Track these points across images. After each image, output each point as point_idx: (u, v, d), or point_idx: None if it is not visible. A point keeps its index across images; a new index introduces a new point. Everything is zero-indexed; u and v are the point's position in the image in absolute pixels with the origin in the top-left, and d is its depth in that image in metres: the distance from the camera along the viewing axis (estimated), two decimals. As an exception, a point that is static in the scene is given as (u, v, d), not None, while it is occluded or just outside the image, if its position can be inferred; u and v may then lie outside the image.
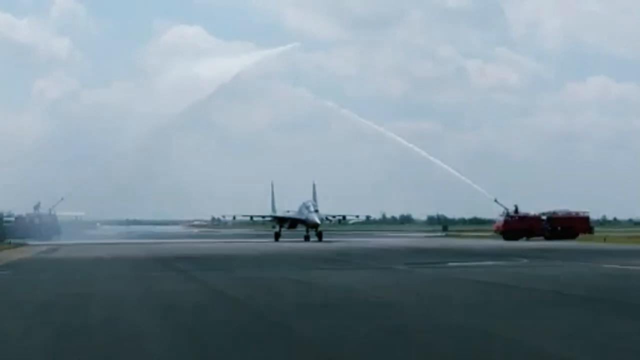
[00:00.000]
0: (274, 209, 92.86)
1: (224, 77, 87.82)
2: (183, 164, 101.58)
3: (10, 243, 66.41)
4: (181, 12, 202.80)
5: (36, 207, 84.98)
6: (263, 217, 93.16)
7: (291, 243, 72.33)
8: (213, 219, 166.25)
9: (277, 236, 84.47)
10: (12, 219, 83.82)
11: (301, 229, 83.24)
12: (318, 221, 79.00)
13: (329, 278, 27.62)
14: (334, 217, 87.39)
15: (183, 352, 12.12)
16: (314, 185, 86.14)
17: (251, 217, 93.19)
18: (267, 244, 70.21)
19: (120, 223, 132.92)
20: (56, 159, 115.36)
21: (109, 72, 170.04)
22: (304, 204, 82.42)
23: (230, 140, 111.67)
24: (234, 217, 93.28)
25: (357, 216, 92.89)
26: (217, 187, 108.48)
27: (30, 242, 70.66)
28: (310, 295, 21.21)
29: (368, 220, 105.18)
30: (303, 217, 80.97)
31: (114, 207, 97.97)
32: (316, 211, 79.74)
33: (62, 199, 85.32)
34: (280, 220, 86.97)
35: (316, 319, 15.94)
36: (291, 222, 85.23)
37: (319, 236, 79.24)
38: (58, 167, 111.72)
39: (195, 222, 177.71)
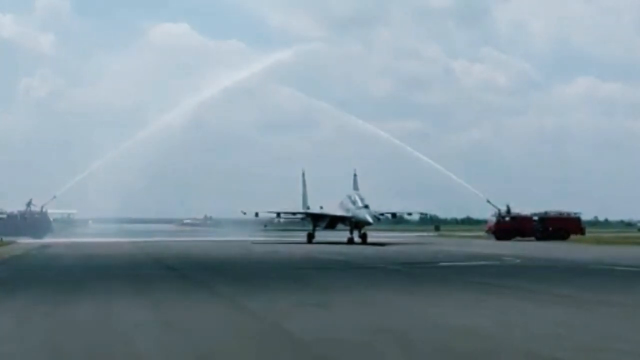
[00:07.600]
0: (305, 204, 78.51)
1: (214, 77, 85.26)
2: (175, 162, 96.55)
3: (1, 240, 65.40)
4: (167, 9, 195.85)
5: (28, 204, 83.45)
6: (293, 213, 76.90)
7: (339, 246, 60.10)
8: (205, 217, 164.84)
9: (310, 237, 70.22)
10: (4, 216, 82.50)
11: (342, 229, 69.75)
12: (370, 219, 64.08)
13: None
14: (382, 214, 71.52)
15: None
16: (354, 176, 72.52)
17: (278, 213, 76.13)
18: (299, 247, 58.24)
19: (113, 221, 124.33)
20: (48, 157, 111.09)
21: (96, 69, 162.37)
22: (348, 197, 67.95)
23: (220, 138, 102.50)
24: (257, 214, 74.95)
25: (410, 213, 79.37)
26: (216, 185, 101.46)
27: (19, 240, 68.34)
28: None
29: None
30: (349, 214, 65.91)
31: (106, 204, 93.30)
32: (366, 206, 64.94)
33: (54, 197, 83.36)
34: (315, 218, 72.22)
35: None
36: (330, 220, 70.25)
37: (363, 238, 65.30)
38: (50, 165, 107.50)
39: (186, 221, 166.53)
